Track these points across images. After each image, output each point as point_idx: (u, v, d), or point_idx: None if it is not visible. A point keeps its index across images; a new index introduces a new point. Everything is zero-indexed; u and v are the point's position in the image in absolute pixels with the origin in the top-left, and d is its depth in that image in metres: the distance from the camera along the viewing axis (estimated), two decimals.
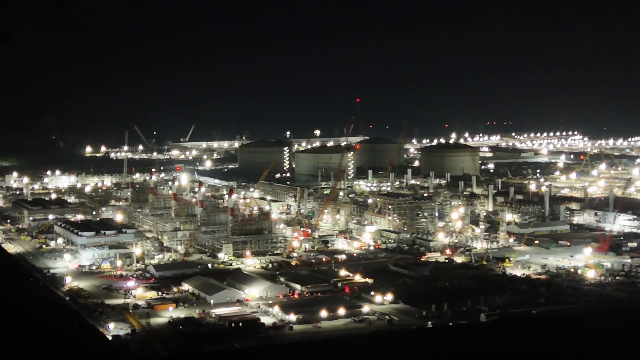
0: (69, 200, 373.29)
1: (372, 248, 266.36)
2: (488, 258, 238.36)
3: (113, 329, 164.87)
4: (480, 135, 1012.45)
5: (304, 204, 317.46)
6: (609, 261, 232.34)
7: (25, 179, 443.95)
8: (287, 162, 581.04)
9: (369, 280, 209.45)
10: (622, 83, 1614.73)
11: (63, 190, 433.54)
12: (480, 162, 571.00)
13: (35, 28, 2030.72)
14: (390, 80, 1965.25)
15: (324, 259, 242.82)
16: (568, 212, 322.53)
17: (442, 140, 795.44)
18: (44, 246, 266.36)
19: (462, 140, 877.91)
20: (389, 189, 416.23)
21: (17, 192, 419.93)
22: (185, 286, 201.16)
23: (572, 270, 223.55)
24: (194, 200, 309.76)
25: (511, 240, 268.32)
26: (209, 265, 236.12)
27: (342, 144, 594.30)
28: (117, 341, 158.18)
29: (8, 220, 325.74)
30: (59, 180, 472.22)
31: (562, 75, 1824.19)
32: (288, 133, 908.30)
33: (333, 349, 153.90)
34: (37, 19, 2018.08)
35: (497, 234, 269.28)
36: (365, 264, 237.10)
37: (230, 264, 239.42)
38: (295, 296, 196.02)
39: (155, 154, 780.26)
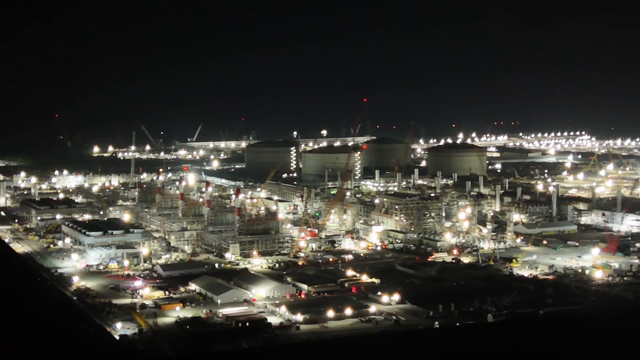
0: (76, 200, 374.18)
1: (379, 248, 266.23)
2: (495, 258, 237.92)
3: (120, 328, 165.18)
4: (488, 135, 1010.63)
5: (311, 204, 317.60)
6: (617, 261, 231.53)
7: (33, 179, 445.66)
8: (294, 162, 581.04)
9: (376, 281, 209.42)
10: (630, 83, 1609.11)
11: (71, 190, 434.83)
12: (487, 162, 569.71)
13: (40, 28, 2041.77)
14: (395, 81, 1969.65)
15: (330, 259, 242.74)
16: (576, 213, 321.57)
17: (450, 140, 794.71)
18: (51, 246, 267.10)
19: (469, 140, 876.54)
20: (396, 189, 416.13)
21: (25, 192, 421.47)
22: (193, 286, 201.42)
23: (580, 270, 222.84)
24: (201, 200, 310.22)
25: (518, 240, 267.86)
26: (216, 265, 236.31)
27: (349, 144, 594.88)
28: (124, 341, 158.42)
29: (16, 220, 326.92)
30: (66, 180, 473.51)
31: (569, 76, 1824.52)
32: (295, 133, 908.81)
33: (340, 349, 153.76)
34: (42, 19, 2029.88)
35: (505, 234, 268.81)
36: (372, 264, 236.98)
37: (237, 264, 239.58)
38: (302, 296, 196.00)
39: (162, 154, 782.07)
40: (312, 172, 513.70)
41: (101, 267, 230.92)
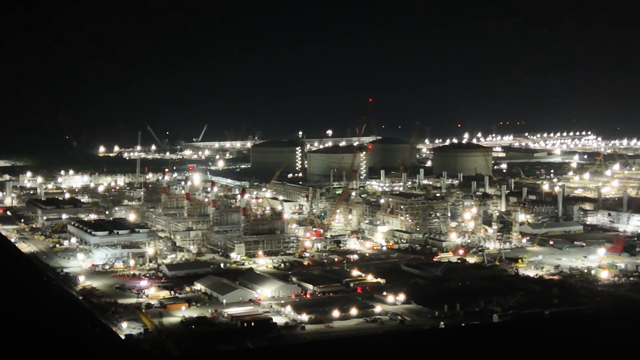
0: (82, 200, 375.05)
1: (384, 248, 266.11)
2: (501, 258, 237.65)
3: (126, 328, 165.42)
4: (493, 135, 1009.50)
5: (316, 204, 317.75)
6: (623, 262, 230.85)
7: (39, 179, 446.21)
8: (300, 162, 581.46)
9: (381, 281, 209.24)
10: (636, 83, 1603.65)
11: (76, 190, 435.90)
12: (493, 162, 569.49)
13: (45, 29, 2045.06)
14: (396, 81, 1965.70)
15: (336, 259, 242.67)
16: (581, 213, 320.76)
17: (455, 140, 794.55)
18: (57, 245, 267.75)
19: (474, 140, 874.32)
20: (401, 189, 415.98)
21: (31, 192, 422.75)
22: (198, 286, 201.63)
23: (586, 270, 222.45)
24: (206, 200, 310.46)
25: (524, 240, 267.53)
26: (222, 265, 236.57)
27: (355, 144, 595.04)
28: (129, 340, 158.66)
29: (22, 220, 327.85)
30: (72, 180, 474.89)
31: (575, 75, 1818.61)
32: (300, 133, 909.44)
33: (345, 349, 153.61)
34: (42, 19, 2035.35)
35: (510, 235, 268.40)
36: (378, 264, 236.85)
37: (243, 264, 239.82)
38: (308, 296, 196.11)
39: (168, 153, 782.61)
40: (317, 172, 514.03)
41: (107, 267, 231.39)
